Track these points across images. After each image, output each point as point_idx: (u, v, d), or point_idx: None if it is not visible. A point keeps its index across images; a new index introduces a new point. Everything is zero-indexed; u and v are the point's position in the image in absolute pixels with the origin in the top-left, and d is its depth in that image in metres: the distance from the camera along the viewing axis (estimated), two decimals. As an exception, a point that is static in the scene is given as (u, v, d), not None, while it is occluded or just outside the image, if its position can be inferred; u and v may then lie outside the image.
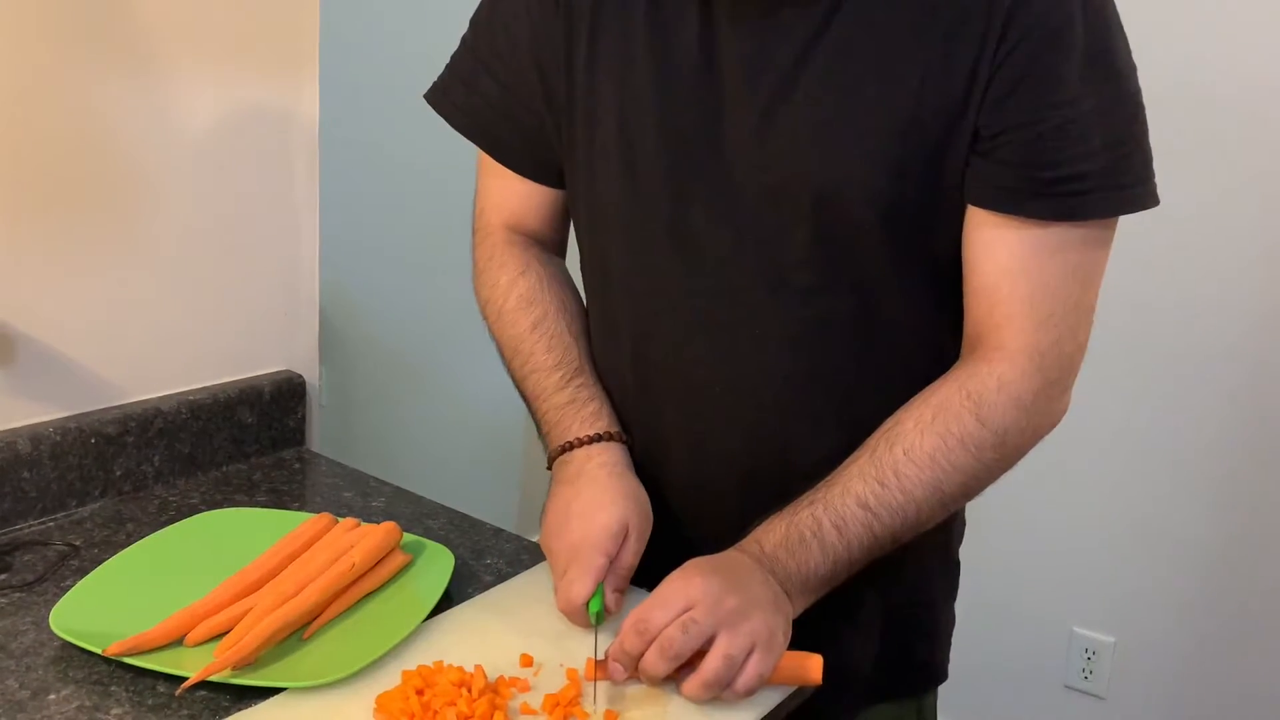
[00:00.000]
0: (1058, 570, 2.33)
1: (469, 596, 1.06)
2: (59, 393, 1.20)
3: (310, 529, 1.07)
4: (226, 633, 0.94)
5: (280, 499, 1.27)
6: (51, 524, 1.17)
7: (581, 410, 1.08)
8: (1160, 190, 0.96)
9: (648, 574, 0.98)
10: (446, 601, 1.03)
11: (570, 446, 1.07)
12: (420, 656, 0.94)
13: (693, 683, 0.88)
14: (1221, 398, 2.11)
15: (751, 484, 1.05)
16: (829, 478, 0.98)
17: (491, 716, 0.86)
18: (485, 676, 0.90)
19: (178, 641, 0.93)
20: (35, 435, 1.16)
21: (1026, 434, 0.98)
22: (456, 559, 1.09)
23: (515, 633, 0.98)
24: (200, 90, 1.26)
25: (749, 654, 0.88)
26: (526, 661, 0.94)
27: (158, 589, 1.00)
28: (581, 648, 0.95)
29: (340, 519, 1.10)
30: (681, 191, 1.01)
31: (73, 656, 0.93)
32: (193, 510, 1.20)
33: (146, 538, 1.10)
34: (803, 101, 0.96)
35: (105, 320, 1.23)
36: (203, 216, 1.30)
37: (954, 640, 1.18)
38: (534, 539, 1.12)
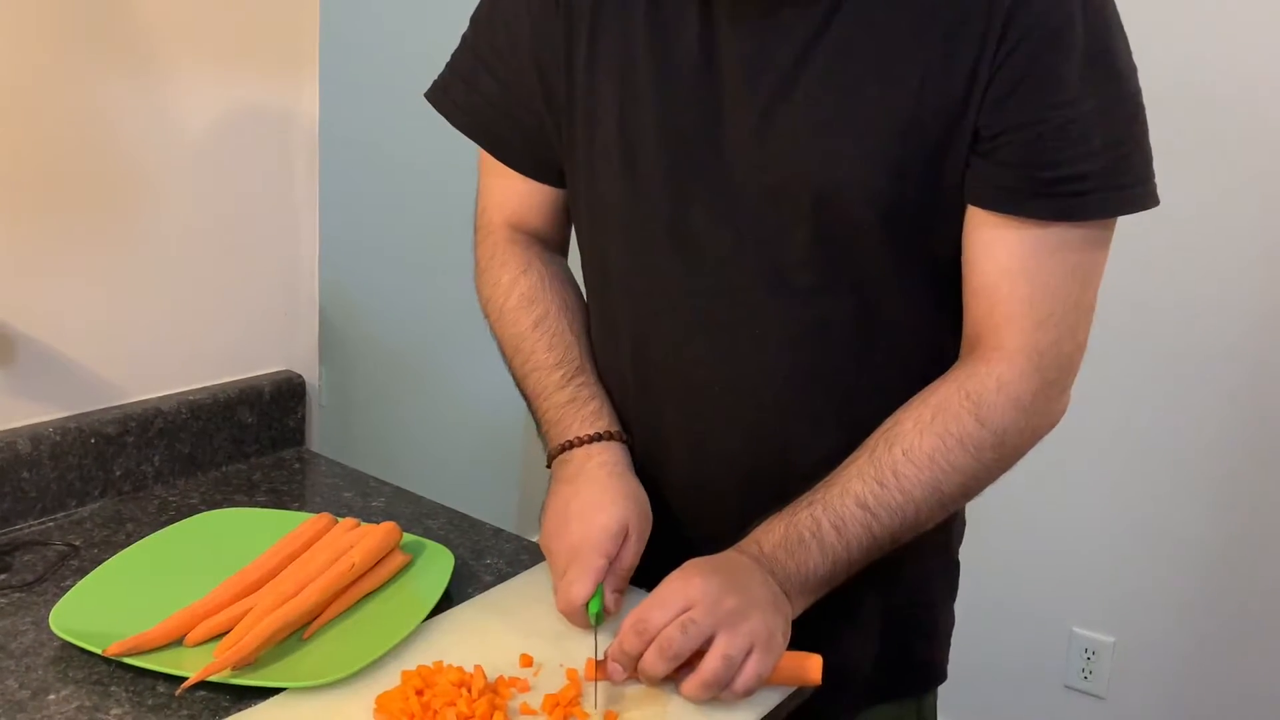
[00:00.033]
0: (1057, 570, 2.33)
1: (469, 596, 1.06)
2: (59, 393, 1.20)
3: (310, 529, 1.07)
4: (226, 633, 0.94)
5: (280, 499, 1.28)
6: (51, 524, 1.17)
7: (582, 409, 1.08)
8: (1160, 190, 0.96)
9: (647, 574, 0.98)
10: (446, 601, 1.03)
11: (570, 445, 1.07)
12: (420, 657, 0.94)
13: (691, 683, 0.88)
14: (1221, 398, 2.11)
15: (751, 484, 1.05)
16: (828, 478, 0.98)
17: (491, 717, 0.86)
18: (485, 677, 0.90)
19: (178, 641, 0.93)
20: (35, 435, 1.16)
21: (1025, 434, 0.98)
22: (456, 559, 1.09)
23: (515, 633, 0.98)
24: (200, 90, 1.26)
25: (748, 654, 0.88)
26: (526, 662, 0.94)
27: (158, 589, 1.00)
28: (581, 648, 0.95)
29: (340, 519, 1.10)
30: (681, 191, 1.01)
31: (72, 656, 0.93)
32: (193, 510, 1.20)
33: (146, 538, 1.10)
34: (803, 101, 0.96)
35: (105, 320, 1.23)
36: (203, 216, 1.30)
37: (954, 640, 1.18)
38: (534, 539, 1.12)
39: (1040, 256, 0.95)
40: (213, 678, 0.88)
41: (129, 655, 0.90)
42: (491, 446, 2.93)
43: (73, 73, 1.15)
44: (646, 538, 1.02)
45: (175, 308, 1.29)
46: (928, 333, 1.03)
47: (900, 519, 0.96)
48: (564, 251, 1.21)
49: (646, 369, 1.08)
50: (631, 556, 1.00)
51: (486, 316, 1.18)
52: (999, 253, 0.96)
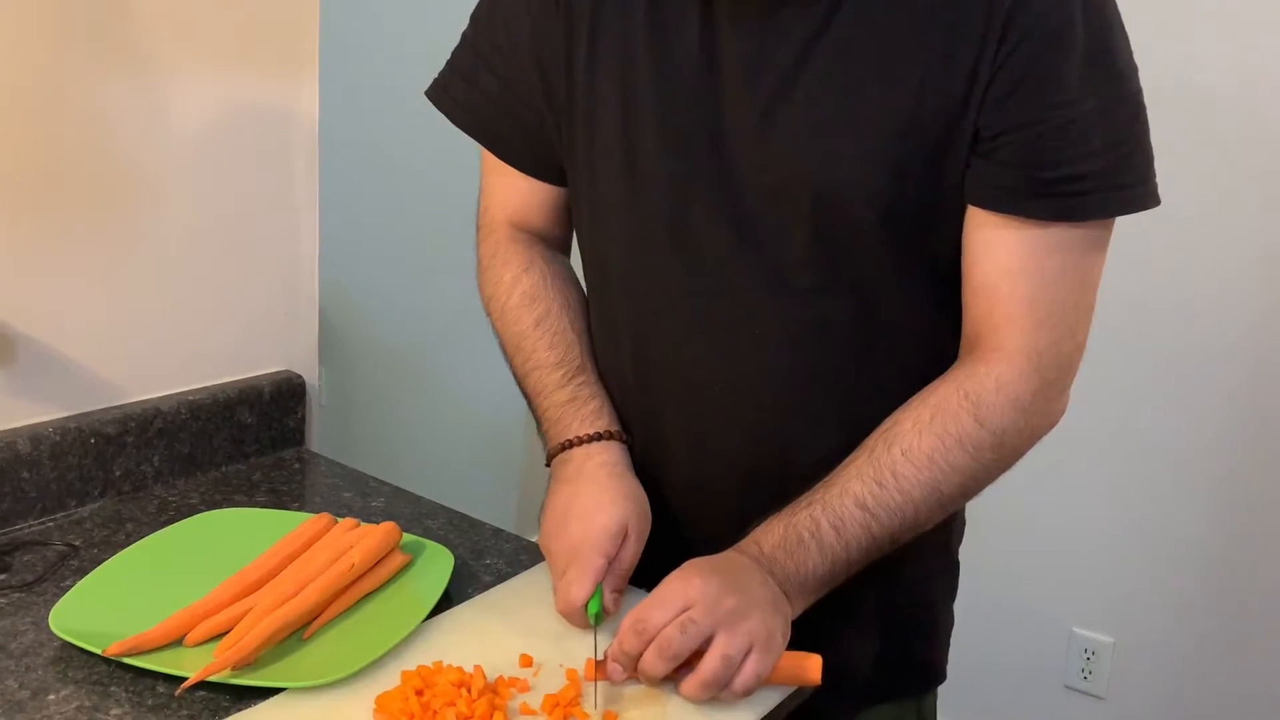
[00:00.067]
0: (1057, 570, 2.33)
1: (468, 597, 1.06)
2: (59, 393, 1.20)
3: (310, 529, 1.07)
4: (226, 633, 0.94)
5: (280, 499, 1.28)
6: (51, 524, 1.17)
7: (582, 408, 1.08)
8: (1160, 190, 0.96)
9: (647, 574, 0.98)
10: (446, 602, 1.03)
11: (570, 445, 1.07)
12: (420, 657, 0.94)
13: (690, 682, 0.88)
14: (1221, 398, 2.11)
15: (751, 484, 1.05)
16: (827, 478, 0.98)
17: (491, 717, 0.86)
18: (485, 677, 0.90)
19: (177, 642, 0.93)
20: (35, 435, 1.16)
21: (1025, 434, 0.98)
22: (456, 559, 1.09)
23: (515, 633, 0.98)
24: (200, 90, 1.26)
25: (747, 654, 0.88)
26: (526, 662, 0.94)
27: (157, 589, 1.00)
28: (581, 648, 0.95)
29: (340, 519, 1.10)
30: (681, 191, 1.01)
31: (72, 657, 0.93)
32: (192, 510, 1.20)
33: (146, 538, 1.10)
34: (803, 101, 0.96)
35: (105, 320, 1.23)
36: (203, 216, 1.30)
37: (954, 640, 1.18)
38: (534, 539, 1.12)
39: (1040, 256, 0.95)
40: (212, 678, 0.88)
41: (129, 655, 0.90)
42: (491, 446, 2.93)
43: (73, 73, 1.15)
44: (646, 538, 1.02)
45: (175, 308, 1.29)
46: (928, 333, 1.03)
47: (899, 519, 0.96)
48: (566, 250, 1.21)
49: (646, 369, 1.08)
50: (631, 556, 1.00)
51: (488, 315, 1.18)
52: (999, 253, 0.96)
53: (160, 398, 1.29)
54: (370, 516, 1.19)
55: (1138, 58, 0.95)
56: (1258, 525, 2.12)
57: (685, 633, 0.87)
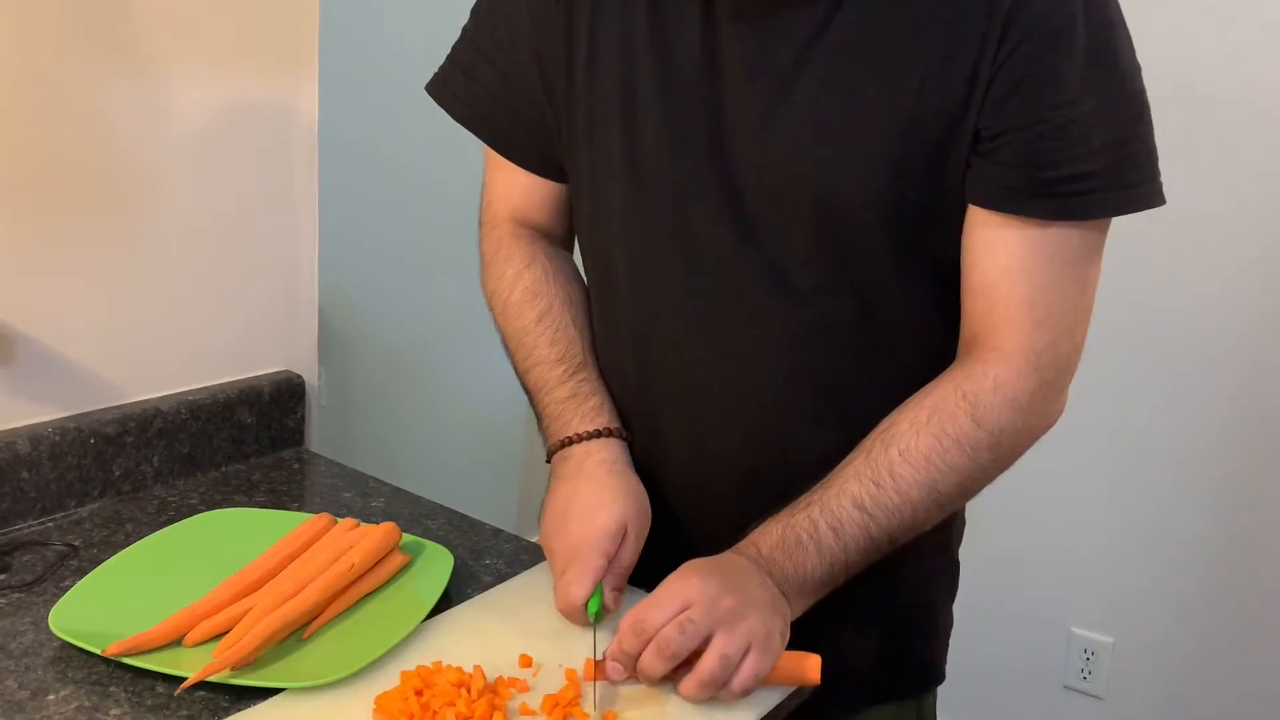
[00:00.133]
0: (1057, 570, 2.33)
1: (468, 597, 1.06)
2: (58, 393, 1.20)
3: (309, 529, 1.07)
4: (226, 633, 0.94)
5: (279, 499, 1.28)
6: (50, 524, 1.17)
7: (582, 405, 1.08)
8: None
9: (647, 574, 0.98)
10: (446, 602, 1.03)
11: (570, 441, 1.07)
12: (419, 657, 0.94)
13: (689, 682, 0.88)
14: (1221, 398, 2.11)
15: (751, 484, 1.05)
16: (825, 480, 0.97)
17: (490, 717, 0.86)
18: (484, 677, 0.90)
19: (177, 642, 0.93)
20: (34, 435, 1.16)
21: (1022, 434, 0.98)
22: (456, 559, 1.09)
23: (514, 633, 0.98)
24: (200, 90, 1.26)
25: (745, 654, 0.88)
26: (525, 662, 0.94)
27: (157, 589, 1.00)
28: (580, 648, 0.95)
29: (339, 519, 1.10)
30: (682, 191, 1.01)
31: (72, 657, 0.93)
32: (192, 510, 1.20)
33: (146, 538, 1.10)
34: (803, 102, 0.96)
35: (105, 320, 1.23)
36: (202, 216, 1.30)
37: (953, 640, 1.18)
38: (534, 539, 1.12)
39: (1040, 257, 0.95)
40: (212, 678, 0.88)
41: (128, 655, 0.90)
42: (491, 446, 2.93)
43: (73, 73, 1.15)
44: (645, 535, 1.02)
45: (175, 308, 1.29)
46: (928, 333, 1.03)
47: (897, 520, 0.96)
48: (569, 246, 1.21)
49: (647, 368, 1.08)
50: (630, 555, 1.00)
51: (491, 311, 1.18)
52: (999, 252, 0.96)
53: (160, 398, 1.29)
54: (370, 517, 1.19)
55: (1138, 57, 0.95)
56: (1258, 525, 2.12)
57: (684, 633, 0.87)
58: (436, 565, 1.07)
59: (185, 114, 1.25)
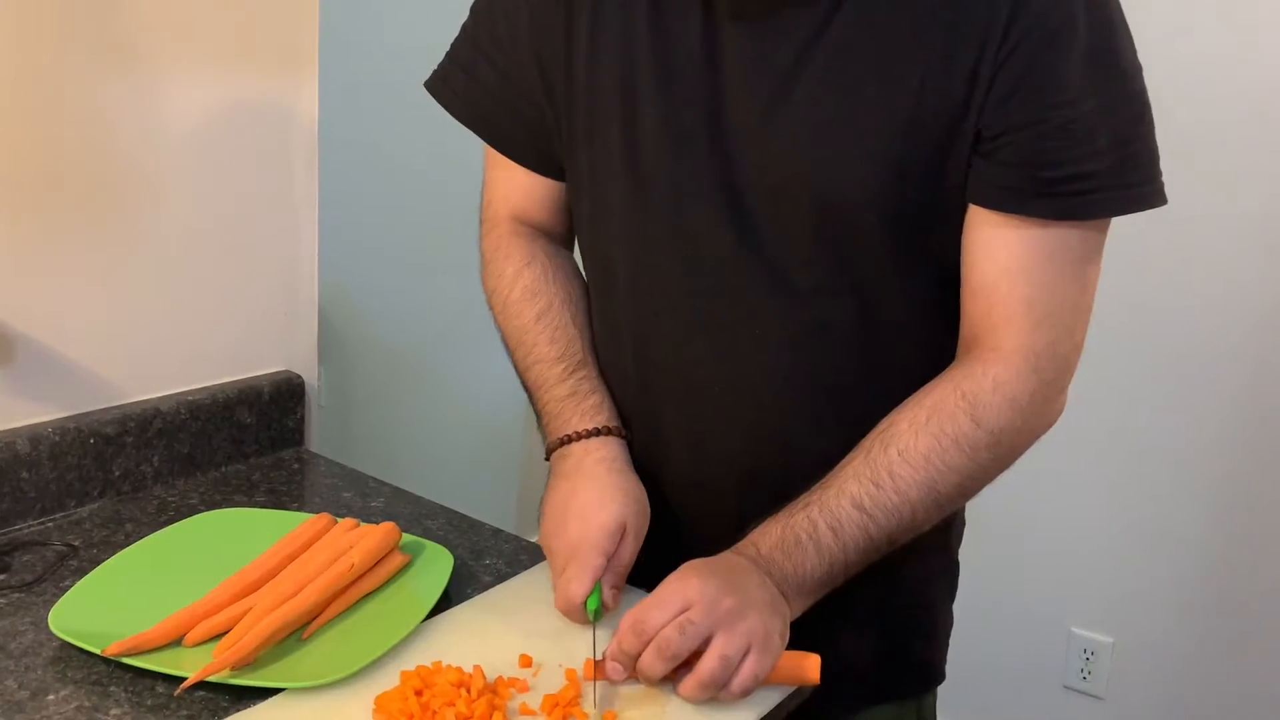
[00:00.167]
0: (1056, 570, 2.33)
1: (468, 597, 1.06)
2: (58, 393, 1.20)
3: (309, 529, 1.07)
4: (225, 633, 0.94)
5: (279, 499, 1.28)
6: (50, 524, 1.17)
7: (582, 403, 1.08)
8: (1162, 189, 0.96)
9: (646, 573, 0.98)
10: (445, 602, 1.03)
11: (569, 440, 1.07)
12: (419, 657, 0.94)
13: (689, 683, 0.88)
14: (1222, 398, 2.11)
15: (751, 484, 1.05)
16: (824, 480, 0.97)
17: (490, 717, 0.86)
18: (484, 677, 0.90)
19: (177, 642, 0.93)
20: (34, 435, 1.16)
21: (1022, 434, 0.98)
22: (455, 559, 1.09)
23: (514, 633, 0.98)
24: (199, 90, 1.26)
25: (745, 654, 0.88)
26: (525, 662, 0.94)
27: (157, 589, 1.00)
28: (580, 648, 0.95)
29: (339, 519, 1.10)
30: (682, 191, 1.01)
31: (71, 657, 0.93)
32: (192, 510, 1.20)
33: (146, 538, 1.10)
34: (803, 102, 0.96)
35: (105, 320, 1.23)
36: (202, 216, 1.30)
37: (953, 640, 1.18)
38: (533, 539, 1.12)
39: (1040, 257, 0.95)
40: (212, 678, 0.88)
41: (128, 655, 0.90)
42: (491, 446, 2.93)
43: (72, 73, 1.15)
44: (644, 534, 1.02)
45: (175, 308, 1.29)
46: (928, 333, 1.03)
47: (897, 520, 0.96)
48: (569, 245, 1.21)
49: (647, 368, 1.08)
50: (629, 553, 1.00)
51: (491, 309, 1.18)
52: (998, 252, 0.96)
53: (160, 398, 1.29)
54: (370, 517, 1.19)
55: (1138, 57, 0.95)
56: (1258, 525, 2.12)
57: (684, 633, 0.87)
58: (436, 565, 1.07)
59: (185, 114, 1.25)
